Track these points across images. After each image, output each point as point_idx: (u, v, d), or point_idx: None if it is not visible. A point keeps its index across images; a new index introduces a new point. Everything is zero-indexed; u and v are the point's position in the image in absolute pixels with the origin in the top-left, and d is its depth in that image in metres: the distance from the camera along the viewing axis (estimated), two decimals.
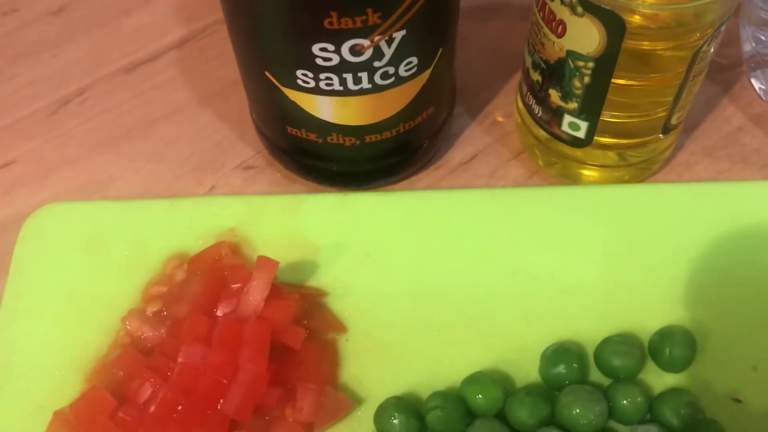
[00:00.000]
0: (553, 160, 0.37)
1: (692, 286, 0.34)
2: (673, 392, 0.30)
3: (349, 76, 0.31)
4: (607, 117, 0.33)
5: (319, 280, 0.34)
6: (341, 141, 0.35)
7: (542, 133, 0.36)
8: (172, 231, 0.36)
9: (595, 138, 0.35)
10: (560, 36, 0.31)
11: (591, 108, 0.33)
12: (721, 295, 0.33)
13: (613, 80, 0.32)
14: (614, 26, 0.29)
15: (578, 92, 0.33)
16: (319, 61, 0.30)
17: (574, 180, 0.38)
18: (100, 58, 0.44)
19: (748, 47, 0.41)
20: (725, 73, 0.42)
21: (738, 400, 0.31)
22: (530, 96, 0.36)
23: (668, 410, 0.29)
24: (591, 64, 0.31)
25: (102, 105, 0.42)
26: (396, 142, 0.35)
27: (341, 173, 0.37)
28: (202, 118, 0.42)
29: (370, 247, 0.35)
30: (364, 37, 0.29)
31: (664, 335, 0.31)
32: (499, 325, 0.33)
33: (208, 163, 0.40)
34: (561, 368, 0.31)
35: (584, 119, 0.34)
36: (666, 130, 0.35)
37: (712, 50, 0.32)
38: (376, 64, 0.31)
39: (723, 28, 0.31)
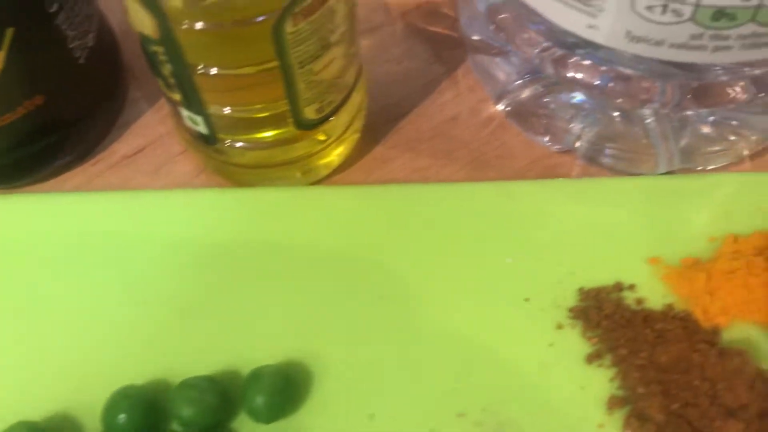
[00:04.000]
0: (210, 158, 0.32)
1: (314, 316, 0.28)
2: None
3: None
4: (216, 110, 0.28)
5: None
6: None
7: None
8: None
9: (220, 133, 0.29)
10: (126, 14, 0.26)
11: (192, 99, 0.27)
12: (346, 327, 0.28)
13: (201, 67, 0.26)
14: (152, 3, 0.23)
15: (172, 81, 0.27)
16: None
17: (233, 180, 0.32)
18: None
19: (462, 26, 0.35)
20: (454, 51, 0.36)
21: None
22: None
23: None
24: (161, 49, 0.25)
25: None
26: (3, 137, 0.30)
27: None
28: None
29: None
30: None
31: (251, 378, 0.26)
32: (87, 360, 0.28)
33: None
34: (122, 417, 0.26)
35: (195, 113, 0.28)
36: (302, 125, 0.29)
37: (324, 29, 0.26)
38: None
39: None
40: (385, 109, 0.35)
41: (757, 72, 0.28)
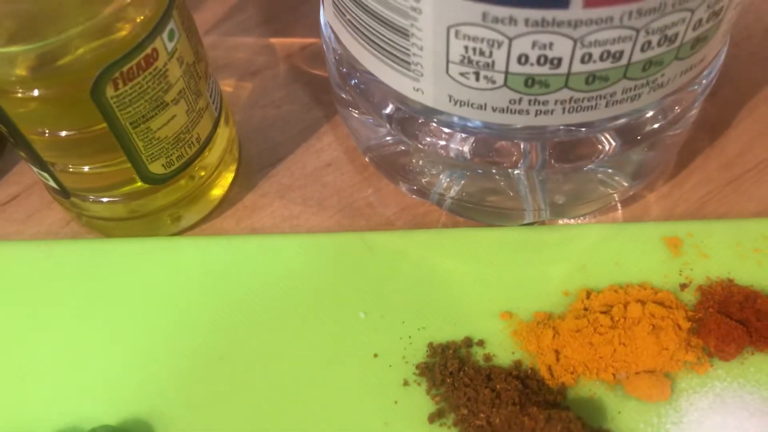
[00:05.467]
0: (73, 211, 0.32)
1: (159, 374, 0.28)
2: None
3: None
4: (62, 167, 0.28)
5: None
6: None
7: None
8: None
9: (71, 188, 0.29)
10: None
11: (34, 157, 0.27)
12: (189, 386, 0.28)
13: (31, 130, 0.26)
14: None
15: (12, 141, 0.27)
16: None
17: (100, 232, 0.32)
18: None
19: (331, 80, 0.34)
20: (329, 95, 0.36)
21: None
22: None
23: None
24: None
25: None
26: None
27: None
28: None
29: None
30: None
31: None
32: None
33: None
34: None
35: (41, 169, 0.28)
36: (149, 180, 0.29)
37: (154, 90, 0.26)
38: None
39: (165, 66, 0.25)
40: (260, 155, 0.35)
41: (621, 122, 0.28)
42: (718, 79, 0.33)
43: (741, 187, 0.33)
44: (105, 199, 0.29)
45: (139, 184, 0.29)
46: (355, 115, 0.32)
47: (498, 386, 0.27)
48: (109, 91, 0.24)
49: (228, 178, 0.33)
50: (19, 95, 0.24)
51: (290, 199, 0.33)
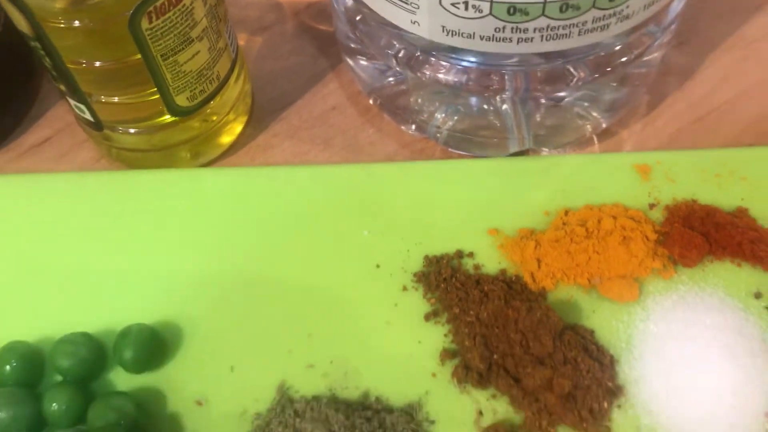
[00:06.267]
0: (104, 144, 0.35)
1: (187, 283, 0.32)
2: (104, 396, 0.28)
3: None
4: (97, 98, 0.31)
5: None
6: None
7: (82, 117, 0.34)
8: None
9: (104, 119, 0.32)
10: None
11: (74, 89, 0.31)
12: (213, 292, 0.31)
13: (76, 60, 0.29)
14: (19, 3, 0.27)
15: (54, 73, 0.31)
16: None
17: (127, 164, 0.36)
18: None
19: (336, 32, 0.38)
20: (333, 47, 0.40)
21: (200, 403, 0.29)
22: None
23: (92, 414, 0.28)
24: (38, 44, 0.29)
25: None
26: None
27: None
28: None
29: None
30: None
31: (121, 335, 0.30)
32: None
33: None
34: (6, 368, 0.29)
35: (79, 101, 0.32)
36: (175, 112, 0.32)
37: (182, 25, 0.29)
38: None
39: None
40: (271, 101, 0.38)
41: (593, 53, 0.31)
42: (686, 31, 0.37)
43: (706, 124, 0.36)
44: (132, 130, 0.33)
45: (164, 117, 0.32)
46: (362, 61, 0.35)
47: (486, 288, 0.30)
48: (144, 24, 0.28)
49: (238, 127, 0.37)
50: (62, 25, 0.28)
51: (299, 139, 0.37)
